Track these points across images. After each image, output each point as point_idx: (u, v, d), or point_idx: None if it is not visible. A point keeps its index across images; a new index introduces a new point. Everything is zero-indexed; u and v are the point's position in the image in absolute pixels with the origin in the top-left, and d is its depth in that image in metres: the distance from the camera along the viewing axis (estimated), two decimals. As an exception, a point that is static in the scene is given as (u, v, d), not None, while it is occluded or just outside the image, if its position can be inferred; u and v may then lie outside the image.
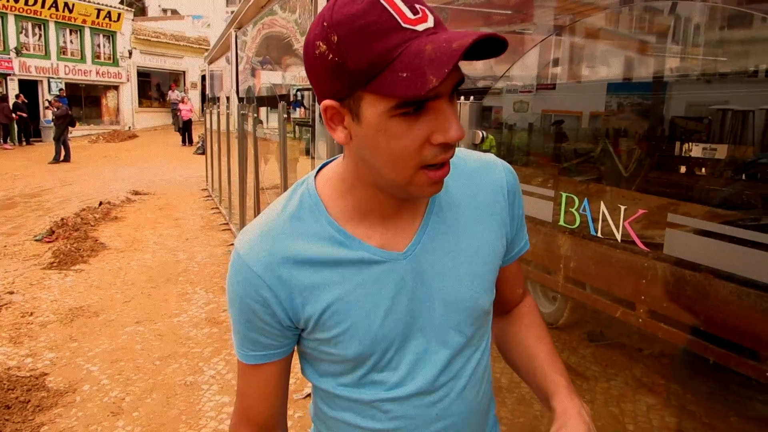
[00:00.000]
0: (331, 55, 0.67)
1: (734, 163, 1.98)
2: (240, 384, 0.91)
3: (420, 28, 0.66)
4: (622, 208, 1.39)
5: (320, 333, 0.83)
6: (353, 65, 0.66)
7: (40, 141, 19.11)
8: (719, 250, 1.30)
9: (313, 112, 4.25)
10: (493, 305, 0.97)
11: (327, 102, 0.72)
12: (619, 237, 1.28)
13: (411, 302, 0.83)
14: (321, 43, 0.68)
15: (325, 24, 0.68)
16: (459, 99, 1.59)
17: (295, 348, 0.91)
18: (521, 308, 1.04)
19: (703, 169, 2.03)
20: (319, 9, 3.81)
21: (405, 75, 0.64)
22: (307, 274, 0.80)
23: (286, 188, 4.56)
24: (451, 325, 0.86)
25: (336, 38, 0.66)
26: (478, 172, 0.91)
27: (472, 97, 1.55)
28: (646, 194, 1.83)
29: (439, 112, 0.69)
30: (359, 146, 0.74)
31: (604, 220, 1.48)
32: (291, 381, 3.45)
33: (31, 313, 4.48)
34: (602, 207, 1.53)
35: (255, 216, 5.99)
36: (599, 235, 1.47)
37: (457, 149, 0.88)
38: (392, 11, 0.65)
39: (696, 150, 2.10)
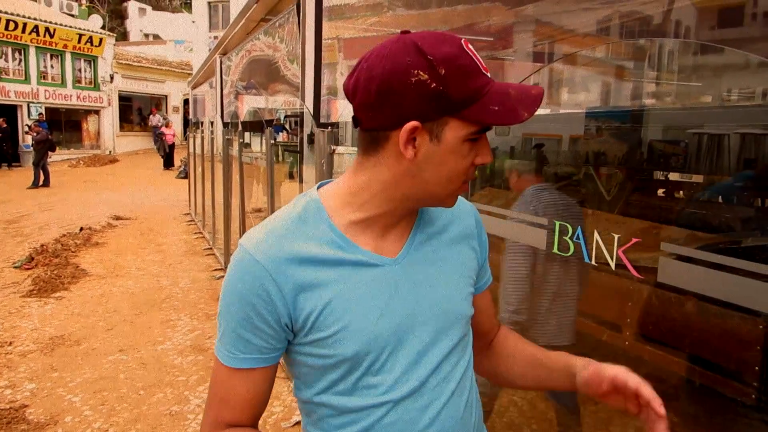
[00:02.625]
0: (434, 84, 0.79)
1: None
2: (218, 390, 0.91)
3: (489, 75, 0.83)
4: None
5: (319, 332, 0.87)
6: (456, 95, 0.80)
7: (19, 166, 18.85)
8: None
9: (301, 137, 4.26)
10: (476, 338, 1.08)
11: (412, 123, 0.81)
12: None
13: (403, 305, 0.91)
14: (421, 72, 0.79)
15: (430, 58, 0.79)
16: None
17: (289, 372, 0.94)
18: (501, 333, 1.16)
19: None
20: (307, 35, 3.84)
21: (497, 108, 0.81)
22: (309, 272, 0.87)
23: (272, 212, 4.55)
24: (440, 329, 0.94)
25: (444, 71, 0.79)
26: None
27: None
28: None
29: (484, 141, 0.86)
30: (424, 162, 0.84)
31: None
32: (278, 409, 3.39)
33: (10, 343, 4.39)
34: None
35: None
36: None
37: None
38: (475, 59, 0.81)
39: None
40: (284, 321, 0.87)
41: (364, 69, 0.82)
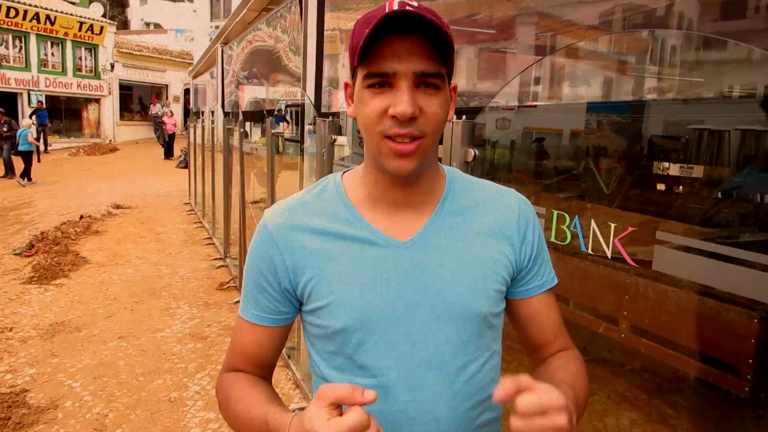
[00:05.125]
0: (349, 41, 0.85)
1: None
2: (233, 338, 1.01)
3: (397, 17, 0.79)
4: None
5: (316, 301, 0.91)
6: (354, 44, 0.82)
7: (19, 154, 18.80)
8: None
9: (302, 128, 4.27)
10: (528, 351, 1.02)
11: (346, 81, 0.90)
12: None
13: (406, 290, 0.88)
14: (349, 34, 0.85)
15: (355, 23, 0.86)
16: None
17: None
18: (559, 354, 1.00)
19: None
20: (309, 26, 3.84)
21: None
22: (313, 242, 0.91)
23: (272, 203, 4.55)
24: (445, 322, 0.89)
25: (353, 27, 0.84)
26: (493, 194, 0.99)
27: (464, 116, 1.59)
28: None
29: (397, 90, 0.81)
30: (357, 118, 0.88)
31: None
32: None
33: (11, 329, 4.41)
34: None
35: (240, 230, 5.97)
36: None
37: (482, 180, 1.01)
38: (387, 7, 0.80)
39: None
40: (284, 285, 0.92)
41: None
